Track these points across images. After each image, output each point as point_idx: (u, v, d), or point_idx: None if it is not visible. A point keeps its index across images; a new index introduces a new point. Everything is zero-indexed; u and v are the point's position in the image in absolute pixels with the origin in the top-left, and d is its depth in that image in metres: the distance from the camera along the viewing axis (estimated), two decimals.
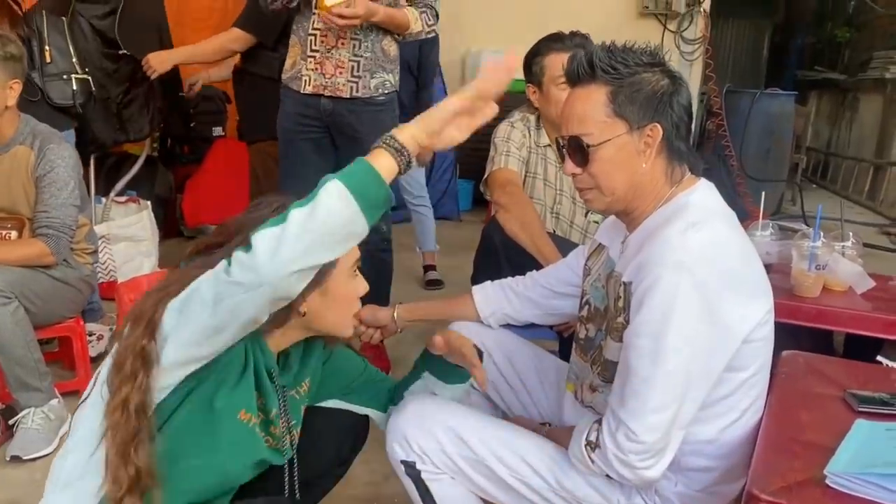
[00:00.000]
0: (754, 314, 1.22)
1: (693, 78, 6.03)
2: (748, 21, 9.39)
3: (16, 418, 2.16)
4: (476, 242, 2.33)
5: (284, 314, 1.19)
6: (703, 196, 1.29)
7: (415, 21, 2.46)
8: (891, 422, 1.21)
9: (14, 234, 2.23)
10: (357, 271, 1.28)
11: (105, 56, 3.12)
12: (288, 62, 2.56)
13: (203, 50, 3.21)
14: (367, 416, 1.52)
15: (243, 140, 3.73)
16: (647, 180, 1.29)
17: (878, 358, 1.91)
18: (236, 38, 3.11)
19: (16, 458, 2.08)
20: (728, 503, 1.30)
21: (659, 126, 1.26)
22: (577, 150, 1.29)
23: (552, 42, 2.23)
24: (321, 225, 1.02)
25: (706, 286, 1.16)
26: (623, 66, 1.25)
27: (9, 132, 2.23)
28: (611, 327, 1.33)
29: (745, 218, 5.86)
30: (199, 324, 1.08)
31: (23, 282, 2.12)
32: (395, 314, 1.76)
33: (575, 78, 1.31)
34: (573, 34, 2.24)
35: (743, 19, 9.28)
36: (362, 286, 1.30)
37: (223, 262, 1.06)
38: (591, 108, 1.27)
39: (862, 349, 1.93)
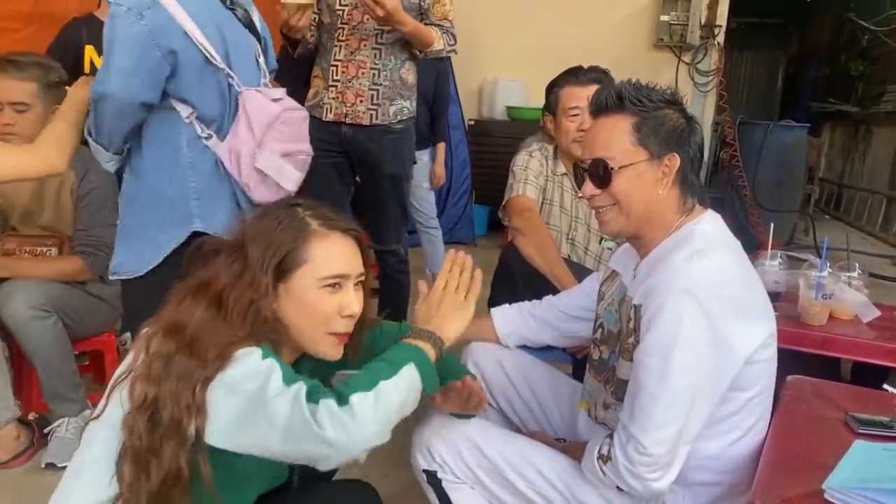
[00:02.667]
0: (756, 337, 1.30)
1: (707, 109, 6.13)
2: (762, 53, 9.51)
3: (51, 427, 2.26)
4: (491, 266, 2.40)
5: (269, 316, 1.18)
6: (709, 226, 1.39)
7: (438, 39, 2.57)
8: (889, 443, 1.28)
9: (54, 250, 2.33)
10: (341, 287, 1.23)
11: None
12: (311, 92, 2.67)
13: None
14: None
15: None
16: (661, 207, 1.38)
17: (885, 386, 1.97)
18: None
19: (51, 466, 2.17)
20: None
21: (678, 157, 1.36)
22: (599, 172, 1.39)
23: (570, 75, 2.34)
24: (402, 410, 1.14)
25: (710, 310, 1.24)
26: (648, 101, 1.37)
27: None
28: (623, 348, 1.41)
29: (757, 247, 5.90)
30: (258, 437, 1.09)
31: (62, 297, 2.23)
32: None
33: (603, 108, 1.42)
34: (592, 69, 2.34)
35: (757, 51, 9.40)
36: (349, 306, 1.23)
37: (302, 395, 1.07)
38: (617, 136, 1.38)
39: (869, 376, 1.98)
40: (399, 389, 1.13)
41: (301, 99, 3.19)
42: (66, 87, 2.31)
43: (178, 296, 1.21)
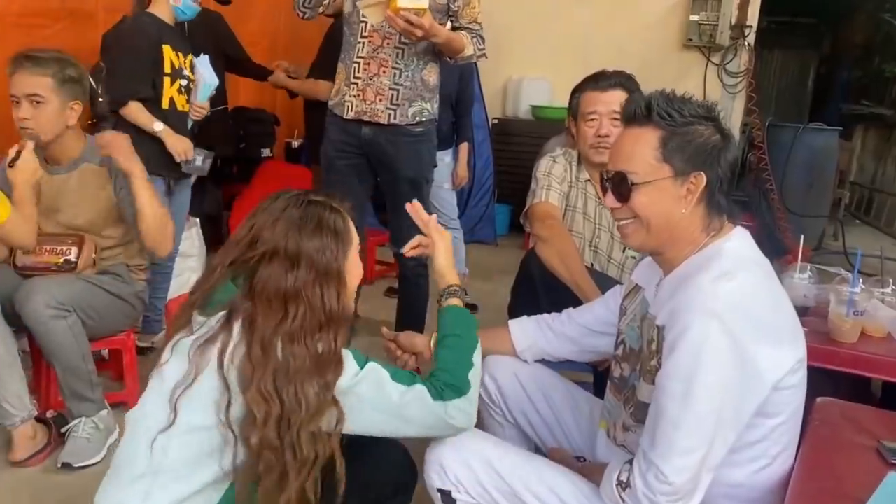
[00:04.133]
0: (784, 361, 1.24)
1: (735, 111, 6.02)
2: (794, 52, 9.34)
3: (68, 426, 2.26)
4: (512, 267, 2.37)
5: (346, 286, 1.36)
6: (737, 245, 1.33)
7: (468, 45, 2.54)
8: None
9: (74, 249, 2.33)
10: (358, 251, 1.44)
11: None
12: (333, 89, 2.66)
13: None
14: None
15: (311, 161, 3.91)
16: (685, 226, 1.32)
17: None
18: (326, 89, 3.09)
19: (67, 465, 2.17)
20: None
21: (704, 176, 1.29)
22: (620, 186, 1.34)
23: (591, 81, 2.30)
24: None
25: (736, 333, 1.19)
26: (678, 115, 1.30)
27: (74, 152, 2.35)
28: (644, 369, 1.36)
29: (785, 253, 5.79)
30: (393, 431, 1.35)
31: (82, 296, 2.23)
32: (432, 342, 1.82)
33: (631, 117, 1.36)
34: (615, 74, 2.28)
35: (788, 51, 9.23)
36: (361, 265, 1.46)
37: (428, 396, 1.33)
38: (641, 149, 1.32)
39: None
40: (478, 354, 1.47)
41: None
42: (86, 82, 2.34)
43: (251, 308, 1.28)
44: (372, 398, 1.29)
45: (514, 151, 5.58)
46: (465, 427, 1.37)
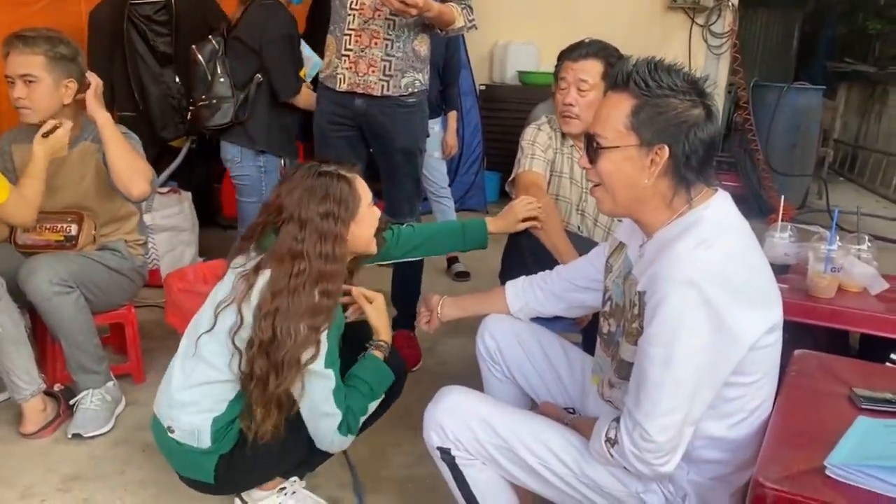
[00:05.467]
0: (761, 323, 1.30)
1: (720, 71, 6.05)
2: (778, 11, 9.30)
3: (76, 399, 2.33)
4: (503, 235, 2.41)
5: (345, 245, 1.66)
6: (716, 212, 1.35)
7: (458, 16, 2.56)
8: (892, 419, 1.32)
9: (74, 227, 2.38)
10: (373, 204, 1.75)
11: None
12: (325, 61, 2.68)
13: None
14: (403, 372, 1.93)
15: (303, 137, 3.91)
16: (648, 196, 1.36)
17: (892, 356, 2.00)
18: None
19: (77, 436, 2.25)
20: (737, 490, 1.40)
21: (668, 149, 1.31)
22: (590, 147, 1.39)
23: (570, 49, 2.35)
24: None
25: (713, 300, 1.23)
26: (655, 86, 1.31)
27: (73, 130, 2.37)
28: (627, 330, 1.42)
29: (770, 212, 5.88)
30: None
31: (83, 272, 2.28)
32: (440, 304, 1.92)
33: (613, 81, 1.39)
34: (593, 43, 2.33)
35: (772, 8, 9.19)
36: (377, 210, 1.77)
37: (338, 424, 1.66)
38: (615, 114, 1.35)
39: (876, 347, 2.01)
40: (374, 405, 1.76)
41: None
42: (80, 60, 2.35)
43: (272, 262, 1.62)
44: (313, 391, 1.64)
45: (501, 118, 5.59)
46: (330, 449, 1.75)
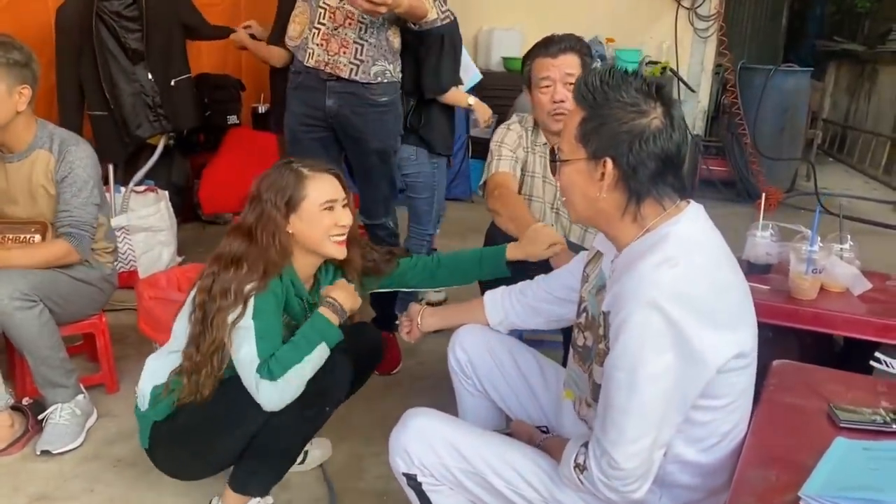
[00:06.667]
0: (729, 345, 1.24)
1: (707, 55, 6.00)
2: None
3: (45, 413, 2.27)
4: (486, 224, 2.35)
5: (283, 240, 1.74)
6: (685, 227, 1.29)
7: (431, 8, 2.49)
8: (870, 439, 1.27)
9: (38, 237, 2.30)
10: (334, 208, 1.79)
11: None
12: (294, 28, 2.57)
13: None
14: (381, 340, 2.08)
15: (277, 129, 3.84)
16: (605, 209, 1.31)
17: (876, 354, 1.96)
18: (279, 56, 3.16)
19: (45, 453, 2.19)
20: None
21: (611, 162, 1.27)
22: (553, 160, 1.38)
23: (540, 47, 2.27)
24: (312, 370, 1.73)
25: (678, 322, 1.18)
26: (601, 97, 1.27)
27: (27, 137, 2.30)
28: (596, 351, 1.38)
29: (757, 196, 5.84)
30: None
31: (46, 284, 2.21)
32: (420, 315, 1.90)
33: (574, 94, 1.35)
34: (565, 37, 2.25)
35: None
36: (342, 218, 1.80)
37: (257, 368, 1.66)
38: (569, 127, 1.33)
39: (860, 345, 1.98)
40: (311, 361, 1.71)
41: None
42: (34, 65, 2.27)
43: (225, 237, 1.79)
44: (235, 340, 1.69)
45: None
46: (266, 406, 1.67)
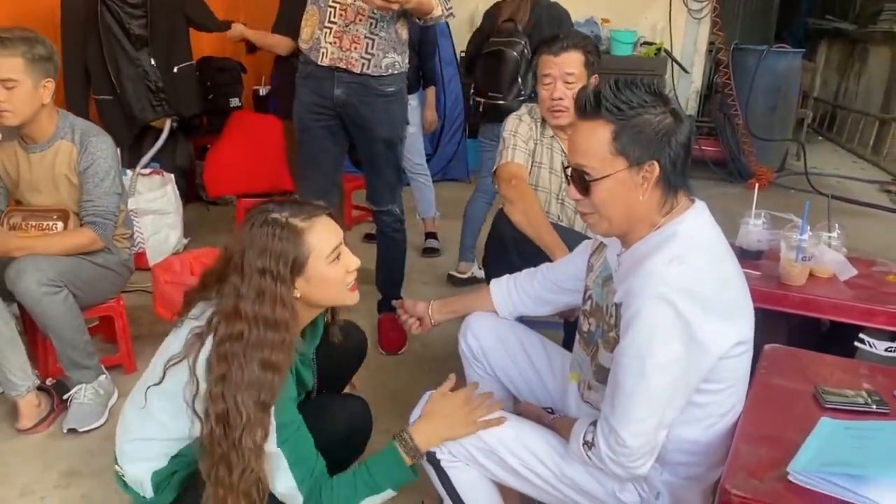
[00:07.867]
0: (729, 336, 1.36)
1: (700, 36, 6.05)
2: None
3: (69, 394, 2.38)
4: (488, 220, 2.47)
5: (288, 307, 1.45)
6: (690, 225, 1.40)
7: (436, 5, 2.56)
8: (852, 419, 1.39)
9: (60, 224, 2.38)
10: (338, 257, 1.52)
11: None
12: (306, 31, 2.62)
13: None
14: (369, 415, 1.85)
15: (279, 117, 3.93)
16: (643, 210, 1.40)
17: (861, 336, 2.09)
18: (284, 45, 3.25)
19: (72, 431, 2.30)
20: (708, 486, 1.49)
21: (657, 164, 1.36)
22: (580, 181, 1.41)
23: (546, 44, 2.37)
24: None
25: (685, 314, 1.30)
26: (627, 107, 1.34)
27: (49, 129, 2.37)
28: (605, 337, 1.49)
29: (749, 177, 5.93)
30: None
31: (70, 270, 2.30)
32: (430, 310, 1.96)
33: (582, 111, 1.39)
34: (570, 35, 2.36)
35: None
36: (351, 263, 1.56)
37: (297, 495, 1.45)
38: (595, 144, 1.36)
39: (846, 327, 2.10)
40: (372, 501, 1.50)
41: None
42: (56, 58, 2.34)
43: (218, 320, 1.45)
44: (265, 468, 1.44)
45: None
46: None
